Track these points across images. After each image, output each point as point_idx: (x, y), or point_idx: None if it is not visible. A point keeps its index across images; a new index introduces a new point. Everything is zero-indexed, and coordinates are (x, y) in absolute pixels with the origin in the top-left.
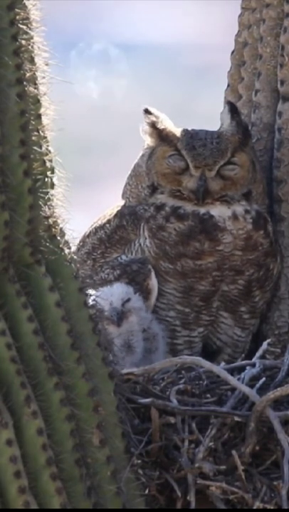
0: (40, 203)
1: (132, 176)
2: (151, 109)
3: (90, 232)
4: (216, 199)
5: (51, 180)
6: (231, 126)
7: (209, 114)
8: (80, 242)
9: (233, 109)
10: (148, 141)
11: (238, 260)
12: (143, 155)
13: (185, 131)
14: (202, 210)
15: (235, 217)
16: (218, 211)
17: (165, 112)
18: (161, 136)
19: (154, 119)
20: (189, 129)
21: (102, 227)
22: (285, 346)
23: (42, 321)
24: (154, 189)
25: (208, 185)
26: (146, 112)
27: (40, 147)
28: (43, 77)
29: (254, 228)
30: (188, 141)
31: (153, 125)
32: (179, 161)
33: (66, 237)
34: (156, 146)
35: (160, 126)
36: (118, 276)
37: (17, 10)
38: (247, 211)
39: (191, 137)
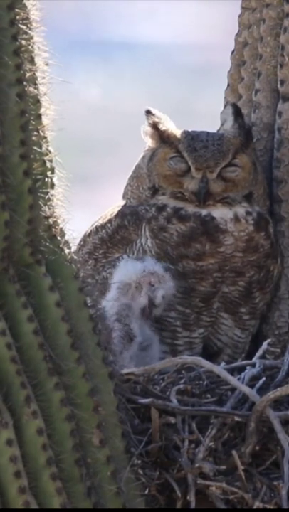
0: (40, 203)
1: (132, 177)
2: (153, 110)
3: (91, 231)
4: (217, 201)
5: (51, 180)
6: (234, 128)
7: (209, 114)
8: (80, 241)
9: (236, 111)
10: (149, 142)
11: (238, 262)
12: (144, 157)
13: (186, 133)
14: (204, 212)
15: (236, 218)
16: (220, 213)
17: (165, 111)
18: (163, 137)
19: (155, 119)
20: (190, 130)
21: (103, 226)
22: (285, 346)
23: (42, 321)
24: (155, 191)
25: (209, 187)
26: (148, 112)
27: (40, 147)
28: (43, 77)
29: (255, 230)
30: (189, 143)
31: (154, 126)
32: (180, 163)
33: (66, 237)
34: (157, 148)
35: (162, 127)
36: None
37: (17, 10)
38: (248, 213)
39: (193, 139)
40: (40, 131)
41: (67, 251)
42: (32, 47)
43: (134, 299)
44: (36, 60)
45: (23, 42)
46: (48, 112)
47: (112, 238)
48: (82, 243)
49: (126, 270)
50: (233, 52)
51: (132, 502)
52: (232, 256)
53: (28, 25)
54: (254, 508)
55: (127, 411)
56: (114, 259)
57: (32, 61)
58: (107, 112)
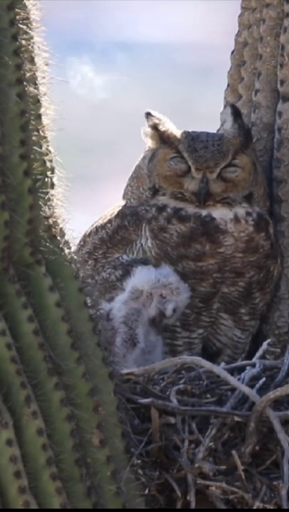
0: (40, 203)
1: (133, 178)
2: (153, 112)
3: (91, 231)
4: (217, 201)
5: (51, 180)
6: (233, 129)
7: (209, 114)
8: (80, 241)
9: (235, 112)
10: (149, 143)
11: (238, 262)
12: (144, 157)
13: (186, 134)
14: (204, 212)
15: (236, 219)
16: (220, 213)
17: (165, 111)
18: (163, 138)
19: (155, 121)
20: (190, 131)
21: (103, 226)
22: (285, 346)
23: (42, 321)
24: (155, 191)
25: (209, 187)
26: (148, 115)
27: (40, 147)
28: (43, 77)
29: (255, 230)
30: (189, 144)
31: (154, 127)
32: (180, 164)
33: (66, 237)
34: (157, 149)
35: (161, 128)
36: (120, 276)
37: (17, 10)
38: (248, 213)
39: (193, 139)
40: (40, 131)
41: (67, 251)
42: (32, 47)
43: (144, 306)
44: (36, 60)
45: (23, 42)
46: (48, 112)
47: (112, 238)
48: (82, 243)
49: (140, 277)
50: (233, 52)
51: (132, 502)
52: (232, 256)
53: (28, 25)
54: (254, 508)
55: (127, 411)
56: (114, 259)
57: (32, 61)
58: (107, 112)
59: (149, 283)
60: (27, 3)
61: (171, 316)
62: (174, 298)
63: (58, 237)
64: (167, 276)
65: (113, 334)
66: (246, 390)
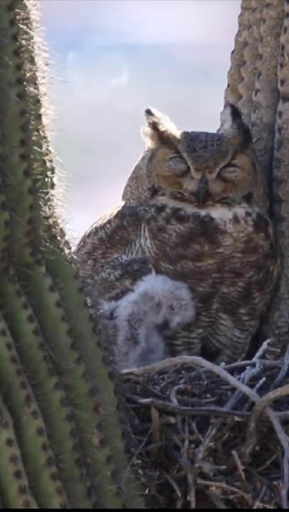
0: (41, 203)
1: (132, 178)
2: (153, 110)
3: (91, 232)
4: (216, 201)
5: (51, 180)
6: (232, 129)
7: (209, 114)
8: (80, 241)
9: (234, 112)
10: (148, 143)
11: (238, 262)
12: (143, 157)
13: (185, 134)
14: (203, 213)
15: (236, 219)
16: (219, 213)
17: (165, 111)
18: (162, 138)
19: (155, 120)
20: (190, 131)
21: (102, 227)
22: (285, 346)
23: (42, 321)
24: (154, 191)
25: (209, 187)
26: (148, 112)
27: (41, 147)
28: (43, 77)
29: (255, 231)
30: (188, 144)
31: (154, 126)
32: (179, 164)
33: (66, 237)
34: (156, 149)
35: (161, 127)
36: (119, 276)
37: (17, 10)
38: (248, 213)
39: (192, 139)
40: (40, 131)
41: (67, 251)
42: (32, 47)
43: (152, 310)
44: (36, 60)
45: (24, 42)
46: (48, 112)
47: (111, 238)
48: (81, 244)
49: (155, 284)
50: (233, 52)
51: (132, 502)
52: (231, 257)
53: (29, 25)
54: (254, 508)
55: (127, 411)
56: (113, 260)
57: (32, 61)
58: (107, 112)
59: (162, 292)
60: (27, 3)
61: (173, 329)
62: (182, 312)
63: (58, 237)
64: (179, 290)
65: (115, 332)
66: (246, 390)
